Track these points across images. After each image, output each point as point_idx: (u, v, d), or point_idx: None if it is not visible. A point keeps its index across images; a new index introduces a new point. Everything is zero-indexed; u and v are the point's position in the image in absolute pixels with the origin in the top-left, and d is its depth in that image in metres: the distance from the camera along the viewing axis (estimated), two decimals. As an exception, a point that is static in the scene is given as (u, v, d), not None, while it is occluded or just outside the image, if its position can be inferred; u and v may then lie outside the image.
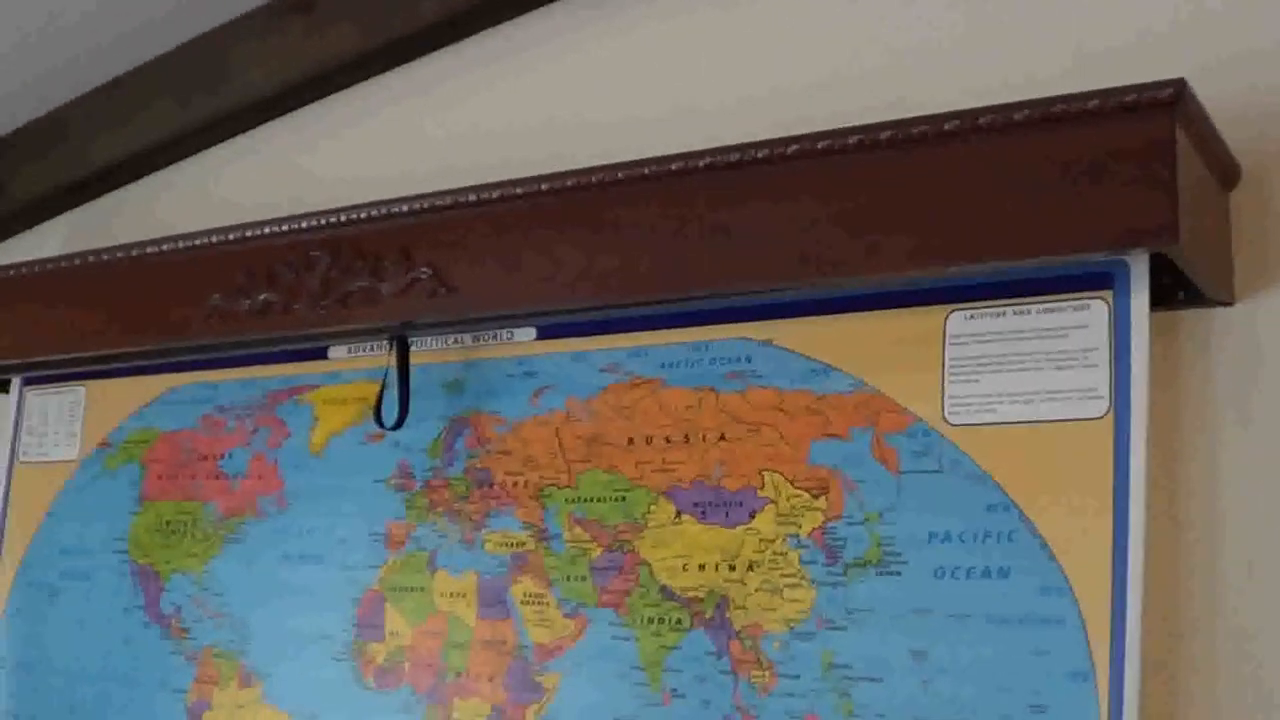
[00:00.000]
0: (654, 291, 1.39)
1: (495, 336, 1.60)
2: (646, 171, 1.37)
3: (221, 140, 2.09)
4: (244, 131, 2.07)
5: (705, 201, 1.35)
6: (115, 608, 1.87)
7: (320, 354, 1.73)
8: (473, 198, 1.46)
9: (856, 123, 1.28)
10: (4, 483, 2.04)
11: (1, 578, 2.02)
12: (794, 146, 1.30)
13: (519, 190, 1.44)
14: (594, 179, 1.40)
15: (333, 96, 1.98)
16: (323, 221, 1.57)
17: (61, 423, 1.99)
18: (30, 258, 1.92)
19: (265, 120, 2.04)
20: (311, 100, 2.00)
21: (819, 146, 1.29)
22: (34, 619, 1.96)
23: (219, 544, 1.78)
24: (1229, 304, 1.33)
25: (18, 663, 1.97)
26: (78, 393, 1.99)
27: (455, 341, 1.63)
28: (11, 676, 1.97)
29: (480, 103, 1.83)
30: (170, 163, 2.14)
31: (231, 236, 1.65)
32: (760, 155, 1.31)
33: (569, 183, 1.41)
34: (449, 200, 1.48)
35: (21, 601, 1.98)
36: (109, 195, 2.22)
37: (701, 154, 1.34)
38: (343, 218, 1.56)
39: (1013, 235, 1.20)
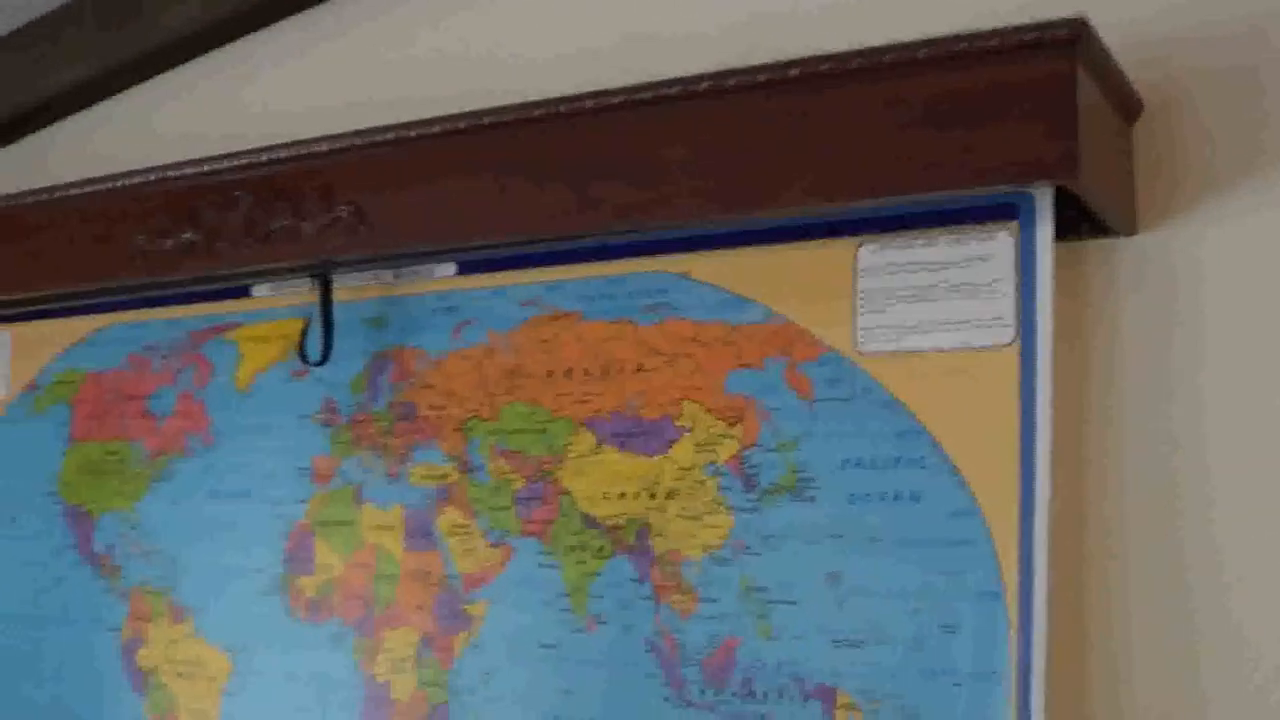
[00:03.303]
0: (571, 227, 1.41)
1: (417, 272, 1.61)
2: (561, 109, 1.39)
3: (149, 78, 2.08)
4: (171, 68, 2.05)
5: (619, 138, 1.37)
6: (47, 549, 1.87)
7: (244, 292, 1.74)
8: (391, 136, 1.48)
9: (766, 60, 1.30)
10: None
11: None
12: (706, 84, 1.32)
13: (436, 128, 1.46)
14: (509, 117, 1.42)
15: (261, 32, 1.97)
16: (245, 161, 1.58)
17: (-13, 366, 2.00)
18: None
19: (192, 57, 2.03)
20: (239, 36, 1.99)
21: (729, 84, 1.31)
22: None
23: (148, 483, 1.79)
24: (1132, 234, 1.36)
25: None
26: (3, 336, 1.98)
27: (377, 278, 1.64)
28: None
29: (407, 38, 1.84)
30: (96, 101, 2.12)
31: (154, 177, 1.65)
32: (673, 92, 1.33)
33: (485, 120, 1.43)
34: (368, 139, 1.49)
35: (-46, 548, 2.00)
36: (33, 136, 2.20)
37: (614, 92, 1.36)
38: (264, 157, 1.57)
39: (916, 170, 1.23)
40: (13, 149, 2.23)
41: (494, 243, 1.47)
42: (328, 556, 1.63)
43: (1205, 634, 1.30)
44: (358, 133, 1.51)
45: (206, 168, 1.61)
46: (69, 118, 2.16)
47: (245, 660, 1.68)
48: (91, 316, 1.89)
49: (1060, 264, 1.31)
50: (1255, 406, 1.30)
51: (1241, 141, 1.34)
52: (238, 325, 1.75)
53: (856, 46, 1.26)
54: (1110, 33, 1.24)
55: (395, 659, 1.56)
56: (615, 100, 1.36)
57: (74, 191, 1.73)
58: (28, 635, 1.87)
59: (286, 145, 1.56)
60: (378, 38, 1.86)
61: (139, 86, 2.09)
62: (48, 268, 1.77)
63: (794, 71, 1.28)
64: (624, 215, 1.38)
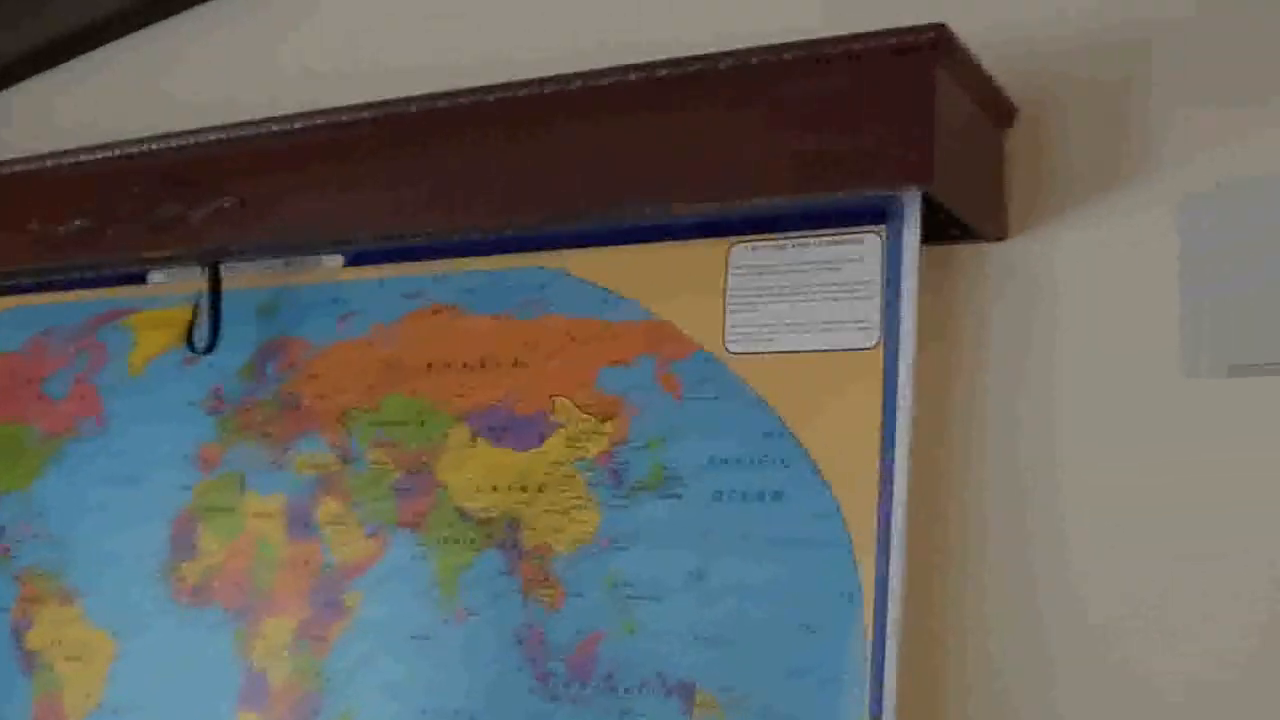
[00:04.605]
0: (449, 224, 1.43)
1: (305, 263, 1.62)
2: (440, 105, 1.40)
3: (56, 64, 2.08)
4: (79, 55, 2.06)
5: (500, 134, 1.38)
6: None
7: (142, 278, 1.75)
8: (275, 129, 1.49)
9: (634, 60, 1.31)
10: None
11: None
12: (578, 83, 1.33)
13: (321, 121, 1.46)
14: (393, 111, 1.43)
15: (173, 19, 1.97)
16: (136, 150, 1.59)
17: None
18: None
19: (100, 44, 2.03)
20: (150, 23, 1.99)
21: (601, 84, 1.32)
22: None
23: (41, 464, 1.79)
24: (1003, 239, 1.37)
25: None
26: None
27: (270, 267, 1.65)
28: None
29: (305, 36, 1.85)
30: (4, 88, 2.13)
31: (49, 164, 1.66)
32: (547, 90, 1.34)
33: (369, 115, 1.44)
34: (257, 130, 1.50)
35: None
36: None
37: (491, 89, 1.37)
38: (154, 146, 1.58)
39: (779, 173, 1.25)
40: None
41: (375, 235, 1.49)
42: (210, 543, 1.63)
43: (1059, 635, 1.32)
44: (245, 124, 1.52)
45: (99, 155, 1.62)
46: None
47: (130, 645, 1.68)
48: (-4, 299, 1.89)
49: (931, 268, 1.33)
50: (1111, 410, 1.32)
51: (1113, 149, 1.35)
52: (134, 311, 1.76)
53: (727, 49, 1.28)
54: (989, 39, 1.26)
55: (272, 646, 1.57)
56: (490, 98, 1.37)
57: (-30, 176, 1.73)
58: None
59: (178, 134, 1.57)
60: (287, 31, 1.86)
61: (51, 71, 2.08)
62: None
63: (663, 72, 1.29)
64: (503, 212, 1.39)
